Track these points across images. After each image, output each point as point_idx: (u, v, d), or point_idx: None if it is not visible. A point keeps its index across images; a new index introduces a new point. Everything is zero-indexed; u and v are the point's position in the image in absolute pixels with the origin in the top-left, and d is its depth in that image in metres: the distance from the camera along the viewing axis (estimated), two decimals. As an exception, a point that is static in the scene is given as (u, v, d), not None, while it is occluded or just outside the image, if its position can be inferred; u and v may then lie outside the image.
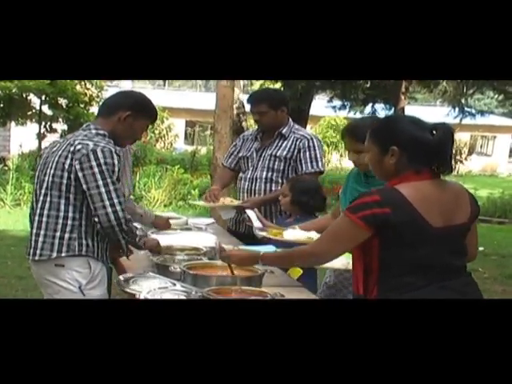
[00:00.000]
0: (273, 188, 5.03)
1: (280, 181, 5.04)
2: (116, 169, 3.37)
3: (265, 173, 5.10)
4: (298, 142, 5.05)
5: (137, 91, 3.82)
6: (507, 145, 36.59)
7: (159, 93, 30.98)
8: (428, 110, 28.14)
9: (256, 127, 5.38)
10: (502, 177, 30.41)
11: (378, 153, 2.86)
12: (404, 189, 2.72)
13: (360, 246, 2.78)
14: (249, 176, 5.19)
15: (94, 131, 3.48)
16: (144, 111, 3.61)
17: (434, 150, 2.77)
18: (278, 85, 16.83)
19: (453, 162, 2.88)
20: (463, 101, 18.58)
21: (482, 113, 19.76)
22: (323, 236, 2.96)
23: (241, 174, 5.31)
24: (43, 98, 16.30)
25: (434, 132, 2.80)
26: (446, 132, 2.80)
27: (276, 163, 5.08)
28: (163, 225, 4.58)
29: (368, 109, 18.87)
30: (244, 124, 17.14)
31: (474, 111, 18.60)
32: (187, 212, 12.89)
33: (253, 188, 5.12)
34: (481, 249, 10.60)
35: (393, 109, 17.37)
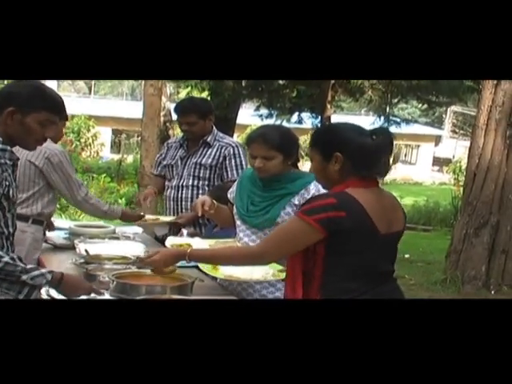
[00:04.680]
0: (199, 196, 4.98)
1: (206, 188, 5.06)
2: None
3: (191, 180, 5.12)
4: (223, 150, 5.09)
5: (27, 81, 3.04)
6: (430, 153, 37.31)
7: (85, 101, 30.75)
8: (354, 118, 28.40)
9: (181, 135, 5.38)
10: (426, 185, 30.96)
11: (321, 160, 2.87)
12: (355, 194, 2.74)
13: (303, 250, 2.79)
14: (174, 184, 5.19)
15: None
16: (31, 103, 2.93)
17: (374, 154, 2.79)
18: (205, 93, 16.82)
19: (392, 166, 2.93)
20: (388, 110, 18.85)
21: (407, 121, 20.09)
22: (271, 237, 2.96)
23: (167, 183, 5.31)
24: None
25: (374, 137, 2.82)
26: (385, 136, 2.84)
27: (202, 171, 5.10)
28: (135, 217, 4.98)
29: (294, 117, 18.98)
30: (171, 132, 17.10)
31: (398, 120, 18.88)
32: (114, 221, 12.73)
33: (179, 196, 5.14)
34: (406, 256, 10.81)
35: (319, 117, 17.51)
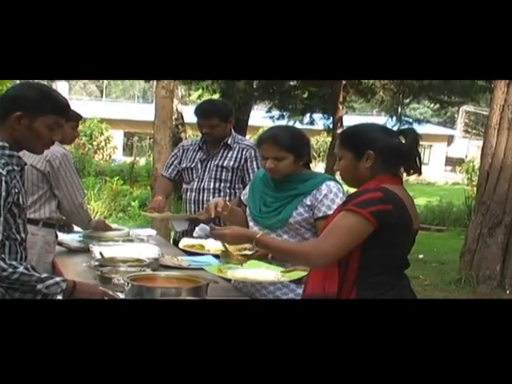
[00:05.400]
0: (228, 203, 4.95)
1: (228, 191, 5.05)
2: None
3: (212, 183, 5.09)
4: (244, 152, 5.09)
5: (32, 83, 3.00)
6: (443, 153, 37.19)
7: (96, 104, 30.77)
8: (365, 119, 28.41)
9: (198, 137, 5.34)
10: (439, 185, 30.85)
11: (352, 158, 2.93)
12: (393, 189, 2.82)
13: None
14: (195, 187, 5.15)
15: None
16: (39, 106, 2.88)
17: (405, 154, 2.90)
18: (216, 95, 16.82)
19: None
20: (400, 110, 18.81)
21: (419, 121, 20.03)
22: (326, 235, 2.87)
23: (185, 185, 5.26)
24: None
25: (403, 137, 2.93)
26: (414, 136, 2.93)
27: (223, 173, 5.09)
28: (104, 226, 4.79)
29: (306, 119, 18.98)
30: (182, 135, 17.10)
31: (410, 120, 18.84)
32: (127, 223, 12.77)
33: (200, 198, 5.10)
34: (420, 256, 10.77)
35: (331, 118, 17.50)
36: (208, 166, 5.14)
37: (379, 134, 2.94)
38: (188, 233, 4.98)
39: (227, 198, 4.57)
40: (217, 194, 5.02)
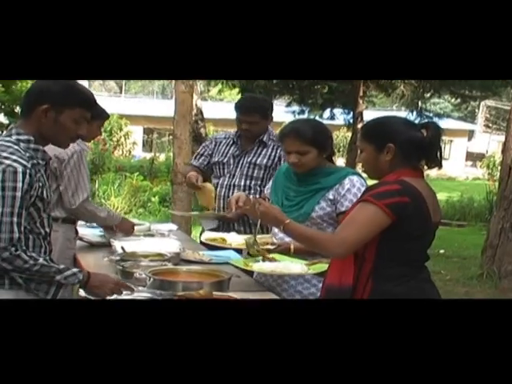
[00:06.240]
0: (250, 196, 4.85)
1: (258, 189, 4.90)
2: (18, 193, 2.74)
3: (243, 180, 4.96)
4: (279, 150, 4.91)
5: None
6: (463, 148, 37.03)
7: (116, 100, 30.87)
8: (386, 114, 28.24)
9: (233, 131, 5.20)
10: (460, 180, 30.71)
11: (373, 150, 2.94)
12: (412, 182, 2.83)
13: None
14: (226, 183, 5.02)
15: (14, 137, 2.90)
16: (65, 100, 2.92)
17: (426, 147, 2.91)
18: (235, 90, 16.83)
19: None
20: (420, 104, 18.75)
21: (440, 116, 19.96)
22: (344, 225, 2.91)
23: (215, 180, 5.13)
24: (-1, 106, 16.06)
25: (425, 130, 2.93)
26: (436, 130, 2.94)
27: (256, 171, 4.95)
28: (126, 229, 4.54)
29: (326, 113, 18.94)
30: (202, 130, 17.10)
31: (431, 115, 18.77)
32: (147, 219, 12.77)
33: (230, 195, 4.83)
34: (442, 251, 10.72)
35: (351, 113, 17.46)
36: (241, 162, 5.00)
37: (401, 126, 2.95)
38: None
39: (257, 196, 4.44)
40: (247, 192, 4.80)
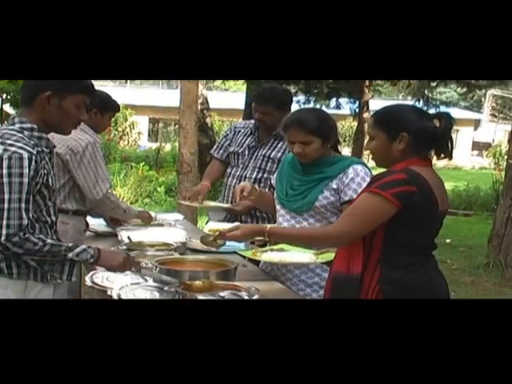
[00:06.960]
0: (256, 186, 4.76)
1: (268, 182, 4.68)
2: (25, 179, 2.76)
3: (255, 173, 4.88)
4: None
5: None
6: (470, 138, 36.92)
7: (121, 90, 30.82)
8: (392, 103, 28.20)
9: (253, 121, 5.08)
10: (466, 169, 30.64)
11: (386, 138, 2.93)
12: (420, 171, 2.83)
13: None
14: (238, 173, 4.97)
15: (18, 125, 2.92)
16: (67, 86, 2.95)
17: (438, 138, 2.90)
18: (241, 81, 16.79)
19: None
20: (426, 93, 18.69)
21: (447, 104, 19.91)
22: (346, 216, 2.97)
23: (229, 169, 5.10)
24: (4, 96, 16.06)
25: (437, 120, 2.93)
26: (449, 120, 2.93)
27: (269, 164, 4.87)
28: (147, 218, 4.69)
29: (332, 103, 18.88)
30: (208, 120, 17.08)
31: (437, 104, 18.71)
32: (154, 209, 12.79)
33: None
34: (448, 240, 10.71)
35: (357, 102, 17.42)
36: (255, 154, 4.93)
37: (415, 116, 2.94)
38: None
39: (266, 190, 4.36)
40: (257, 184, 4.56)
